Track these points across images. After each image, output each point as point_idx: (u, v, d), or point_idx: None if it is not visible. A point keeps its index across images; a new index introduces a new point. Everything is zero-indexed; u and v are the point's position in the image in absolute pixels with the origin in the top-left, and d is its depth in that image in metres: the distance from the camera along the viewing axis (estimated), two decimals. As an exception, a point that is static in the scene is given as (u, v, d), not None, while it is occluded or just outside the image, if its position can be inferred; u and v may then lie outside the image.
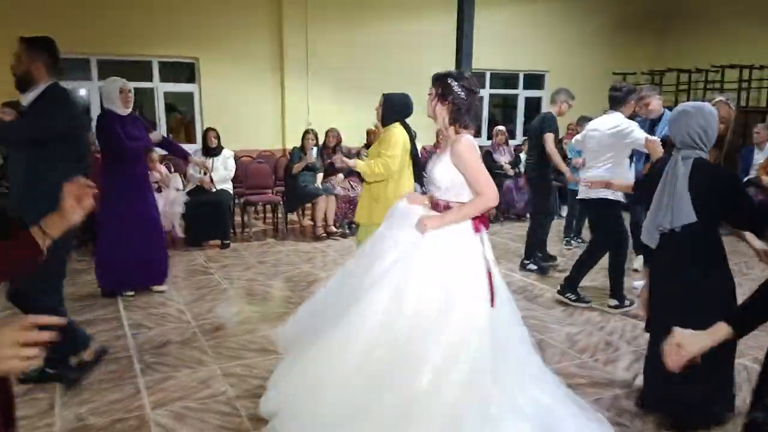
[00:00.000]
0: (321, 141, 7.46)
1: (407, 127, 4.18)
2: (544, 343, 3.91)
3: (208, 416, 2.98)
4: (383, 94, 4.19)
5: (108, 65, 8.33)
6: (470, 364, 2.46)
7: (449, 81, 2.69)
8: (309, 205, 7.32)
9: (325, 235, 7.05)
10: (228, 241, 6.66)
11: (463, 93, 2.69)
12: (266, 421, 2.85)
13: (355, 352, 2.54)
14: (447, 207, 2.66)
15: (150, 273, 4.81)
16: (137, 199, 4.58)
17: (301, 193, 7.09)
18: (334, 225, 7.16)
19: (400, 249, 2.66)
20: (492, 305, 2.56)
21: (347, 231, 7.20)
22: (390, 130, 4.10)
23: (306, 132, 7.19)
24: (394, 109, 4.11)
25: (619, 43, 11.05)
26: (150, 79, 8.68)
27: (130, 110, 4.60)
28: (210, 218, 6.58)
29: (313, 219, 7.21)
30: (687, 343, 1.40)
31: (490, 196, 2.59)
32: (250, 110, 8.97)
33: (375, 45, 9.41)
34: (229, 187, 6.84)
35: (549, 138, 5.39)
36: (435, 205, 2.74)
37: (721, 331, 1.40)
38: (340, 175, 7.36)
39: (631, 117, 4.69)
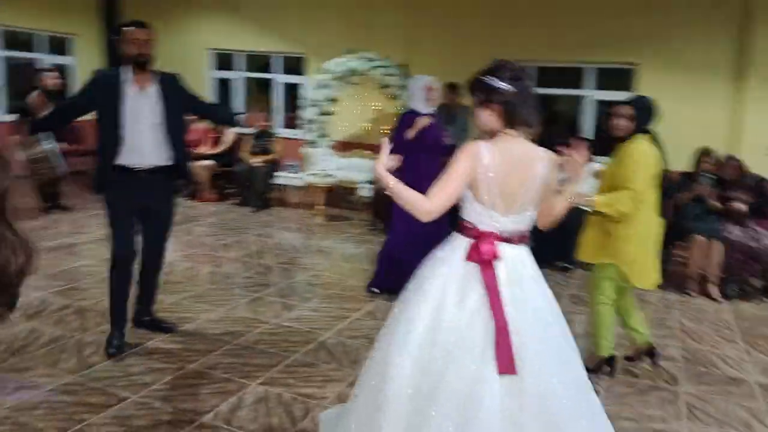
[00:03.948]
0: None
1: (656, 140, 3.12)
2: None
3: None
4: (631, 102, 3.42)
5: (544, 72, 8.45)
6: None
7: (485, 80, 2.14)
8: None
9: (690, 293, 5.41)
10: (571, 266, 5.93)
11: (508, 86, 2.11)
12: None
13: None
14: (461, 224, 2.23)
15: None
16: None
17: (678, 227, 5.63)
18: (716, 281, 5.40)
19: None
20: (504, 371, 1.97)
21: (734, 293, 5.34)
22: (635, 147, 3.27)
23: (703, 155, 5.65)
24: (648, 117, 3.32)
25: None
26: (580, 86, 8.34)
27: (433, 109, 4.68)
28: (557, 236, 5.98)
29: (687, 264, 5.63)
30: None
31: (425, 203, 2.13)
32: (692, 124, 7.52)
33: None
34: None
35: None
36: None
37: None
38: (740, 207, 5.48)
39: None
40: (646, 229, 3.35)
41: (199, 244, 6.07)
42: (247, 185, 8.03)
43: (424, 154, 4.51)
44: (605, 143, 3.63)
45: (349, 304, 4.55)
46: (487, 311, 2.04)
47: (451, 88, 7.31)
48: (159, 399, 2.97)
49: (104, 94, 3.27)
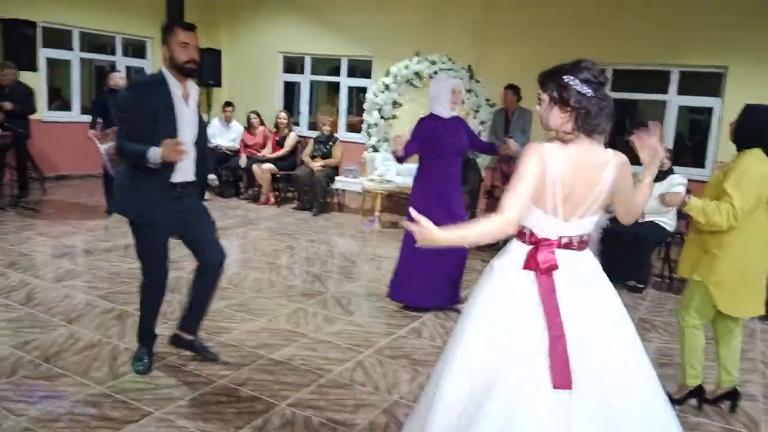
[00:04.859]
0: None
1: None
2: None
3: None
4: (747, 105, 3.08)
5: (621, 75, 7.92)
6: None
7: (565, 79, 1.98)
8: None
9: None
10: (643, 286, 5.47)
11: (589, 89, 1.97)
12: None
13: None
14: (519, 230, 2.07)
15: (442, 290, 4.43)
16: (437, 206, 4.08)
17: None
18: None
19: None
20: (560, 385, 1.87)
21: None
22: (744, 159, 2.96)
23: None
24: (756, 127, 2.98)
25: None
26: (664, 90, 7.74)
27: (455, 112, 4.38)
28: (628, 253, 5.53)
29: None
30: None
31: (505, 220, 1.93)
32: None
33: None
34: (664, 220, 5.54)
35: None
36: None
37: None
38: None
39: None
40: (747, 251, 3.00)
41: (251, 248, 6.01)
42: (306, 189, 7.96)
43: (441, 159, 4.26)
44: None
45: (393, 319, 4.33)
46: (542, 322, 1.93)
47: (513, 90, 6.96)
48: (182, 416, 2.85)
49: (159, 108, 2.97)
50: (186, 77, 3.08)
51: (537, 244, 2.02)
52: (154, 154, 2.87)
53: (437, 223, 4.53)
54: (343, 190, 8.33)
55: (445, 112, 4.31)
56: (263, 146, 8.55)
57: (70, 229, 6.20)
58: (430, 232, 1.89)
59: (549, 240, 2.02)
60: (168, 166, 2.99)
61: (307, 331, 3.98)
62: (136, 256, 3.26)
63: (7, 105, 6.72)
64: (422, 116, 4.44)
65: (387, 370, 3.50)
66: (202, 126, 3.28)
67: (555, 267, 1.99)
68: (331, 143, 8.13)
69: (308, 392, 3.18)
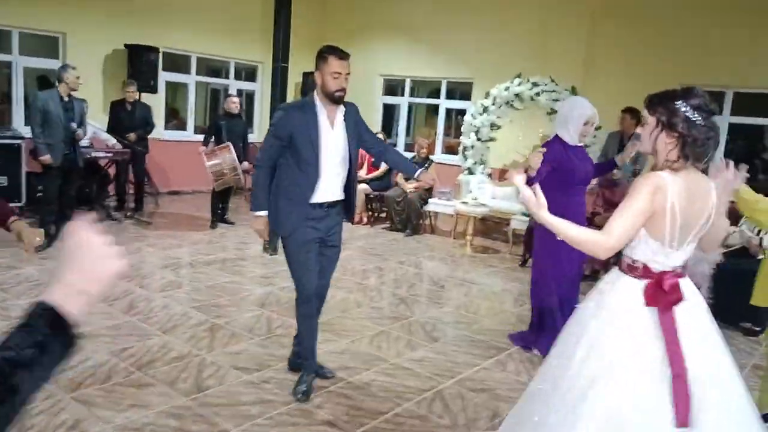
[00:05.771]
0: None
1: None
2: None
3: None
4: None
5: (743, 98, 7.34)
6: None
7: (676, 104, 1.99)
8: None
9: None
10: (759, 329, 4.95)
11: (698, 117, 1.97)
12: None
13: None
14: (628, 264, 2.09)
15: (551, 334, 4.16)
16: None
17: None
18: None
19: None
20: (682, 424, 1.86)
21: None
22: None
23: None
24: None
25: None
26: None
27: (581, 144, 4.13)
28: (742, 294, 5.03)
29: None
30: None
31: (606, 241, 1.96)
32: None
33: None
34: (790, 260, 4.99)
35: None
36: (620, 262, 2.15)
37: None
38: None
39: None
40: None
41: (340, 267, 5.99)
42: (398, 210, 7.97)
43: (569, 187, 4.00)
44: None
45: (478, 349, 4.18)
46: (663, 359, 1.91)
47: (632, 113, 6.59)
48: (258, 435, 2.89)
49: (301, 132, 3.11)
50: (334, 104, 3.19)
51: (655, 278, 2.00)
52: (257, 214, 3.24)
53: (562, 256, 4.19)
54: (436, 213, 8.26)
55: (572, 140, 4.02)
56: (360, 167, 8.67)
57: (177, 242, 6.56)
58: (538, 204, 1.98)
59: (668, 272, 2.00)
60: (308, 190, 3.15)
61: (388, 356, 3.93)
62: (289, 273, 3.35)
63: (132, 137, 7.45)
64: (547, 140, 4.24)
65: (467, 404, 3.36)
66: (353, 147, 3.30)
67: (681, 299, 1.98)
68: (426, 165, 8.09)
69: (383, 421, 3.11)
